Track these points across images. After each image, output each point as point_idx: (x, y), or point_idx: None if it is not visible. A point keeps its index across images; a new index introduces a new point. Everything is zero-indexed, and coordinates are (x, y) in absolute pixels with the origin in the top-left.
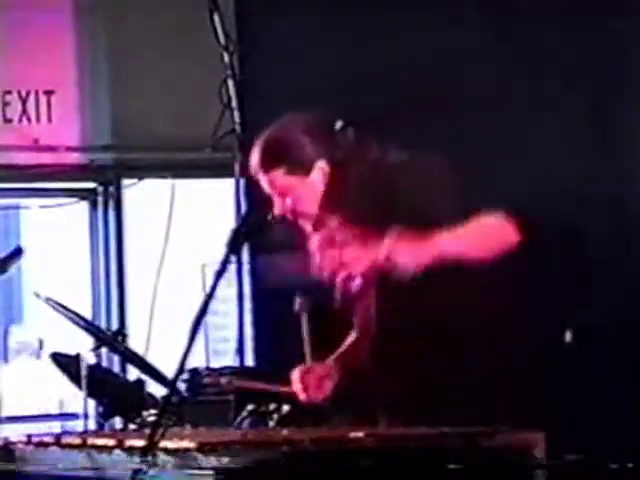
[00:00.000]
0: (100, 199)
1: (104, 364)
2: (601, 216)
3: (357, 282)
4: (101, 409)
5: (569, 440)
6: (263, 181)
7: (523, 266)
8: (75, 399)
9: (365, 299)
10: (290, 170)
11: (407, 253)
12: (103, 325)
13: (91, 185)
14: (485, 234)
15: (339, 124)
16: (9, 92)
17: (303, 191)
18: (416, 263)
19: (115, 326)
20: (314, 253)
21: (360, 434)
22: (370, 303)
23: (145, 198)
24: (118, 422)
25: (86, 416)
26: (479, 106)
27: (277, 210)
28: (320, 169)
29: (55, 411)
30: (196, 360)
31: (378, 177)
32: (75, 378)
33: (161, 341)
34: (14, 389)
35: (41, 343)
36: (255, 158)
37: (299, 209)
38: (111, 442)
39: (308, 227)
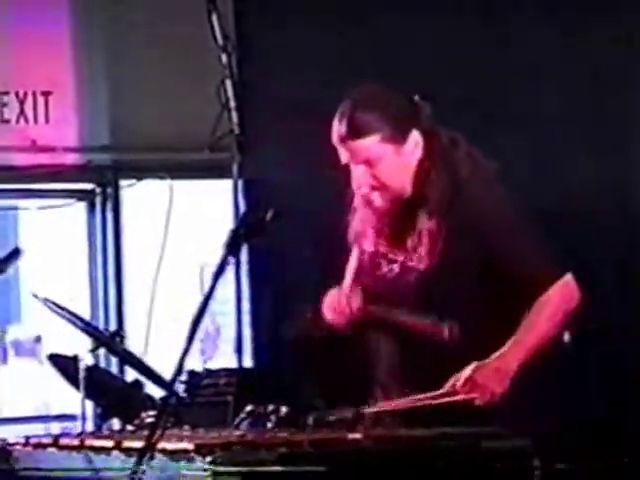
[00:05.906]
0: (98, 200)
1: (102, 365)
2: (604, 214)
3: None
4: (99, 410)
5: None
6: (347, 150)
7: None
8: (70, 400)
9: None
10: (386, 138)
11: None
12: (101, 326)
13: (89, 186)
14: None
15: (417, 97)
16: (6, 93)
17: (396, 161)
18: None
19: (113, 327)
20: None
21: (358, 435)
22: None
23: (143, 199)
24: (116, 423)
25: (84, 417)
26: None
27: (355, 183)
28: (414, 139)
29: (52, 412)
30: (194, 361)
31: (445, 163)
32: (73, 379)
33: (159, 342)
34: (12, 390)
35: (38, 339)
36: (343, 125)
37: (386, 181)
38: (109, 443)
39: (384, 204)
